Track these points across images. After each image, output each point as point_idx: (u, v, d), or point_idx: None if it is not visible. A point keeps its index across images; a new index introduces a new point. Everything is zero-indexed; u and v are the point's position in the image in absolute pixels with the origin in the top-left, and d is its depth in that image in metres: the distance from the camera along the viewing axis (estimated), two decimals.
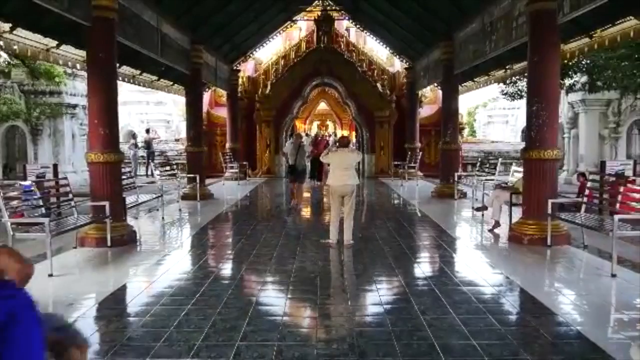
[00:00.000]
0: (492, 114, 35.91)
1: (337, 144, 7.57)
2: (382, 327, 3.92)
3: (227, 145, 17.80)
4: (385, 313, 4.25)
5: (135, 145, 21.02)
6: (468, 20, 10.62)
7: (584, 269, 5.86)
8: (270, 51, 21.35)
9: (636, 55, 12.93)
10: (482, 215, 9.10)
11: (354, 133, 23.75)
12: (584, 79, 15.27)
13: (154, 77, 13.54)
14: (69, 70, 16.30)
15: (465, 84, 14.32)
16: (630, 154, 17.02)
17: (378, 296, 4.76)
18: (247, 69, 19.92)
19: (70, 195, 7.07)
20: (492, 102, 35.37)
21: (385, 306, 4.46)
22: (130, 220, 8.04)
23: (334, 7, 17.24)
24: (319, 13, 17.50)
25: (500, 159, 12.72)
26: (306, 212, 10.82)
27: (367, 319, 4.24)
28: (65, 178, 7.80)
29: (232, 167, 16.82)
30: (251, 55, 18.42)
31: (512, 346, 3.51)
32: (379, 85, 18.46)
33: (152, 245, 7.28)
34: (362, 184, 15.37)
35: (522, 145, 8.83)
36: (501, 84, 16.65)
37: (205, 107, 17.16)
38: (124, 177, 8.10)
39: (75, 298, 4.70)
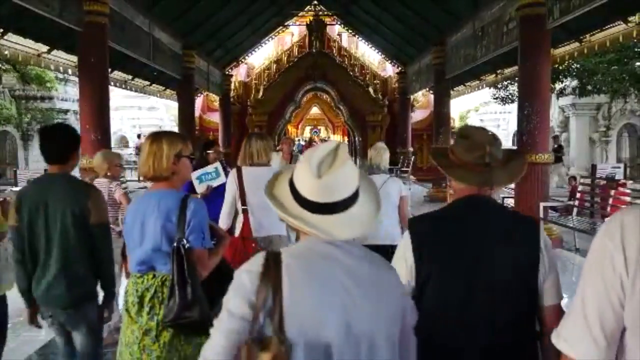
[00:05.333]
0: (484, 118, 36.03)
1: None
2: None
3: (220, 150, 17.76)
4: None
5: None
6: (459, 25, 10.69)
7: (576, 273, 5.89)
8: (263, 56, 21.39)
9: (625, 60, 13.09)
10: None
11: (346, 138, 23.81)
12: (574, 83, 15.40)
13: (146, 82, 13.52)
14: (60, 76, 16.25)
15: (457, 88, 14.40)
16: (620, 157, 17.17)
17: None
18: (239, 73, 19.91)
19: None
20: (484, 107, 35.56)
21: None
22: None
23: (326, 12, 17.29)
24: (311, 18, 17.55)
25: None
26: None
27: None
28: None
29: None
30: (243, 60, 18.43)
31: None
32: (371, 89, 18.49)
33: None
34: None
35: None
36: (492, 88, 16.80)
37: (197, 112, 17.11)
38: None
39: None
